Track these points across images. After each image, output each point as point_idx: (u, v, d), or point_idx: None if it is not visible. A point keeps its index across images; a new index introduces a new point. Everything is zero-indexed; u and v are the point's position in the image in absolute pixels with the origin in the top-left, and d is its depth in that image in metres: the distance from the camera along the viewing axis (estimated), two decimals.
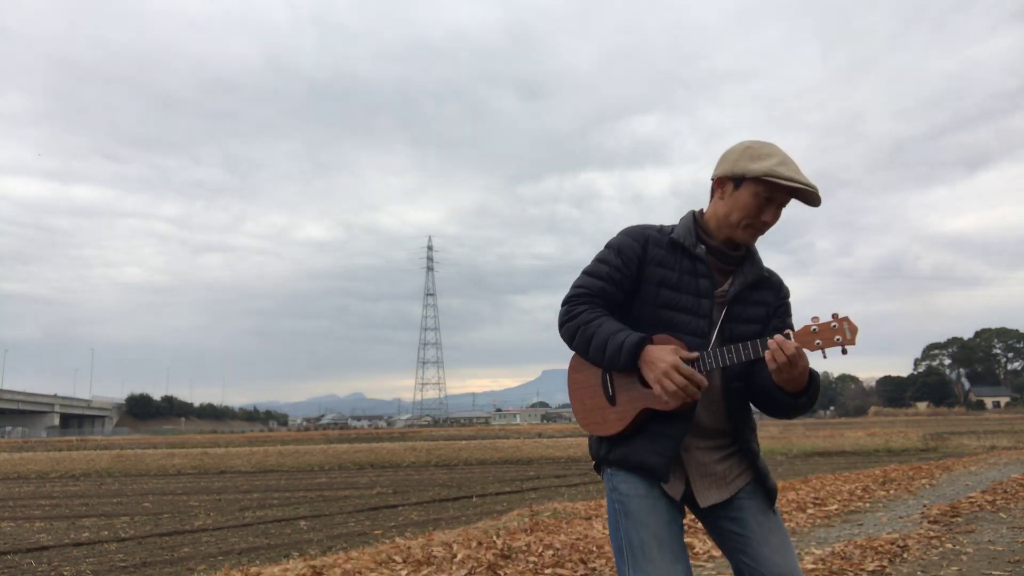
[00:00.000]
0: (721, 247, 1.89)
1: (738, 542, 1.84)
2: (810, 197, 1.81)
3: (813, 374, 1.77)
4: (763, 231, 1.87)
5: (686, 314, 1.83)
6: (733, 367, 1.82)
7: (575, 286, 1.92)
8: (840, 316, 1.68)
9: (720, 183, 1.88)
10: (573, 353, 1.94)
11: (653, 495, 1.81)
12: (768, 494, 1.87)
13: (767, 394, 1.84)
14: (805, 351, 1.69)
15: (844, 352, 1.68)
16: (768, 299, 1.92)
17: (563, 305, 1.92)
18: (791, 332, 1.72)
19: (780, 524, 1.87)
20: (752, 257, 1.93)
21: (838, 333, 1.67)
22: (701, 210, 1.96)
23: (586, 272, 1.93)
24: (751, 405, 1.94)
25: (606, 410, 1.86)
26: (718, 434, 1.87)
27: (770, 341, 1.68)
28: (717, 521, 1.88)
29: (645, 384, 1.81)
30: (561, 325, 1.90)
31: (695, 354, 1.76)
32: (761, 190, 1.81)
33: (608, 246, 1.94)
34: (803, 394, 1.78)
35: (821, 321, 1.69)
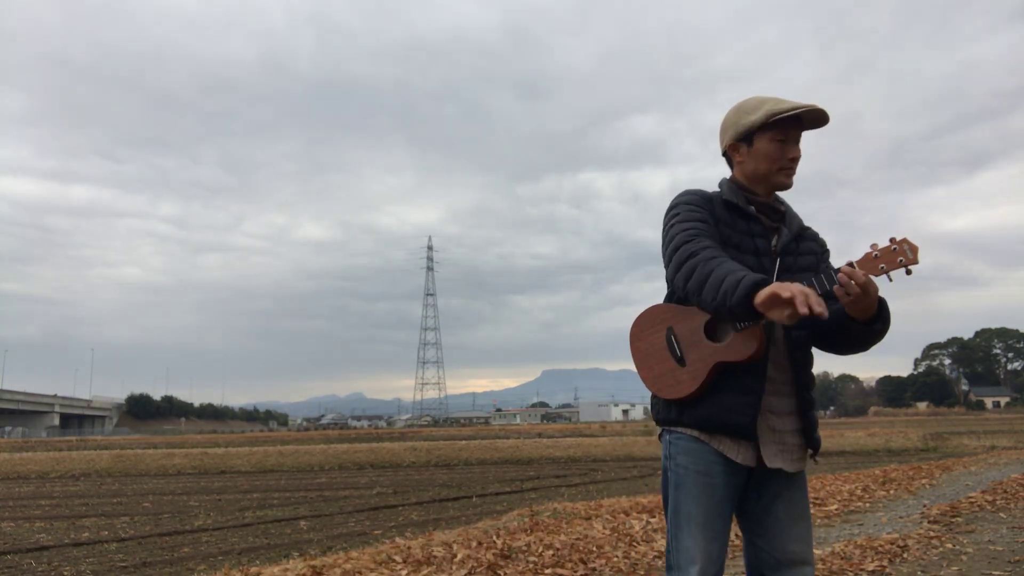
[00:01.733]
0: (767, 202, 1.92)
1: (761, 524, 1.84)
2: (818, 115, 1.84)
3: (881, 299, 1.77)
4: (795, 167, 1.90)
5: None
6: None
7: (682, 230, 1.82)
8: (898, 238, 1.67)
9: (733, 149, 1.92)
10: (632, 324, 1.93)
11: (713, 472, 1.80)
12: (812, 444, 1.88)
13: (839, 330, 1.82)
14: (872, 277, 1.68)
15: (908, 272, 1.66)
16: (814, 248, 1.97)
17: (680, 247, 1.79)
18: (854, 262, 1.71)
19: (807, 512, 1.88)
20: (790, 212, 1.97)
21: (900, 255, 1.65)
22: (732, 176, 1.98)
23: (682, 220, 1.86)
24: (812, 354, 1.93)
25: (677, 371, 1.82)
26: (786, 390, 1.85)
27: (839, 274, 1.68)
28: (747, 501, 1.88)
29: (712, 339, 1.80)
30: (679, 263, 1.77)
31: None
32: (774, 133, 1.85)
33: (682, 203, 1.90)
34: (877, 320, 1.77)
35: (881, 246, 1.68)
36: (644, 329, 1.91)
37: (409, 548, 4.88)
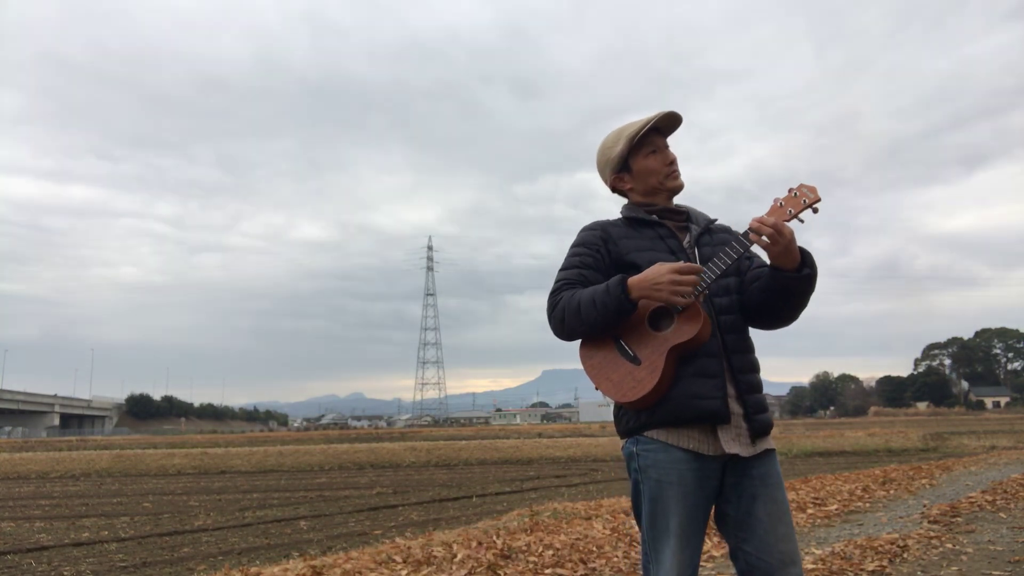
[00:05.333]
0: (667, 207, 2.04)
1: (744, 528, 1.83)
2: (672, 119, 2.01)
3: (804, 249, 1.86)
4: (677, 169, 2.03)
5: None
6: (721, 297, 1.92)
7: (556, 281, 2.00)
8: (795, 186, 1.82)
9: (619, 181, 2.07)
10: (580, 345, 1.96)
11: (685, 480, 1.80)
12: (753, 427, 1.86)
13: (771, 289, 1.87)
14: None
15: (815, 211, 1.80)
16: (726, 239, 2.03)
17: (548, 300, 1.98)
18: (762, 215, 1.83)
19: (788, 509, 1.87)
20: (693, 211, 2.10)
21: (802, 197, 1.80)
22: (628, 202, 2.10)
23: (562, 268, 2.02)
24: (749, 338, 1.99)
25: (635, 371, 1.83)
26: (728, 375, 1.88)
27: (751, 224, 1.80)
28: (726, 507, 1.87)
29: (657, 328, 1.84)
30: (549, 317, 1.95)
31: (683, 263, 1.82)
32: (644, 150, 2.00)
33: (573, 245, 2.06)
34: (804, 265, 1.84)
35: (782, 196, 1.82)
36: (592, 346, 1.93)
37: (409, 548, 4.88)
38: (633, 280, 1.81)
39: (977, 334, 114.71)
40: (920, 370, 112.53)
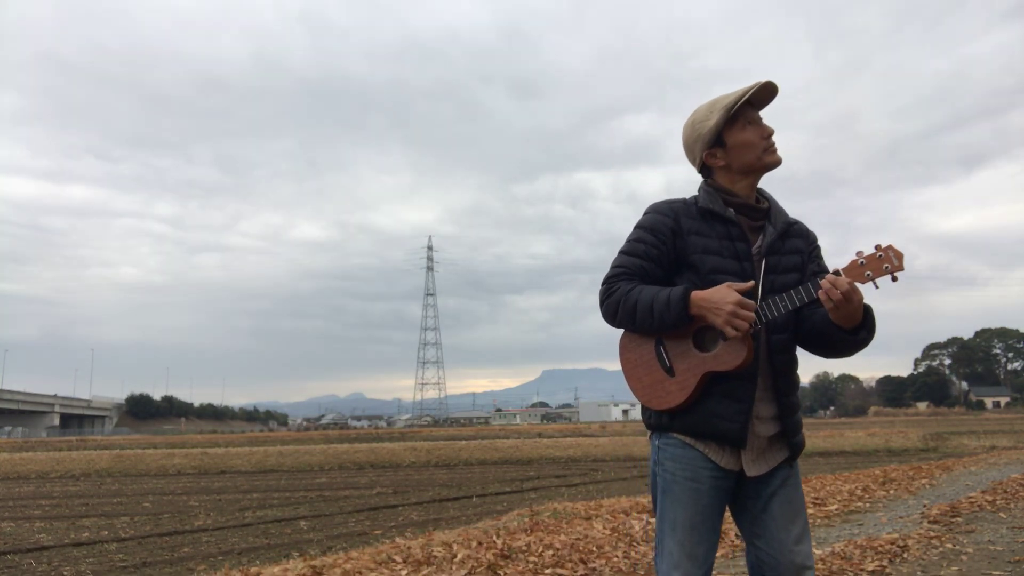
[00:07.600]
0: (747, 203, 1.90)
1: (758, 524, 1.84)
2: (769, 89, 1.87)
3: (867, 308, 1.76)
4: (774, 143, 1.90)
5: (734, 278, 1.82)
6: (777, 319, 1.81)
7: (614, 266, 1.91)
8: (883, 245, 1.68)
9: (710, 157, 1.92)
10: (622, 334, 1.92)
11: (700, 477, 1.80)
12: (792, 448, 1.87)
13: (823, 336, 1.83)
14: (857, 284, 1.69)
15: (894, 279, 1.68)
16: (800, 246, 1.94)
17: (603, 285, 1.90)
18: (839, 269, 1.72)
19: (803, 508, 1.87)
20: (775, 208, 1.95)
21: (886, 261, 1.67)
22: (708, 180, 1.96)
23: (623, 252, 1.92)
24: (796, 358, 1.92)
25: (666, 382, 1.83)
26: (768, 396, 1.85)
27: (823, 281, 1.69)
28: (745, 500, 1.88)
29: (701, 349, 1.81)
30: (601, 304, 1.89)
31: (750, 283, 1.75)
32: (741, 122, 1.86)
33: (639, 226, 1.93)
34: (862, 328, 1.77)
35: (867, 253, 1.69)
36: (633, 340, 1.90)
37: (409, 548, 4.88)
38: (695, 296, 1.75)
39: (977, 334, 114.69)
40: (920, 370, 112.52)
